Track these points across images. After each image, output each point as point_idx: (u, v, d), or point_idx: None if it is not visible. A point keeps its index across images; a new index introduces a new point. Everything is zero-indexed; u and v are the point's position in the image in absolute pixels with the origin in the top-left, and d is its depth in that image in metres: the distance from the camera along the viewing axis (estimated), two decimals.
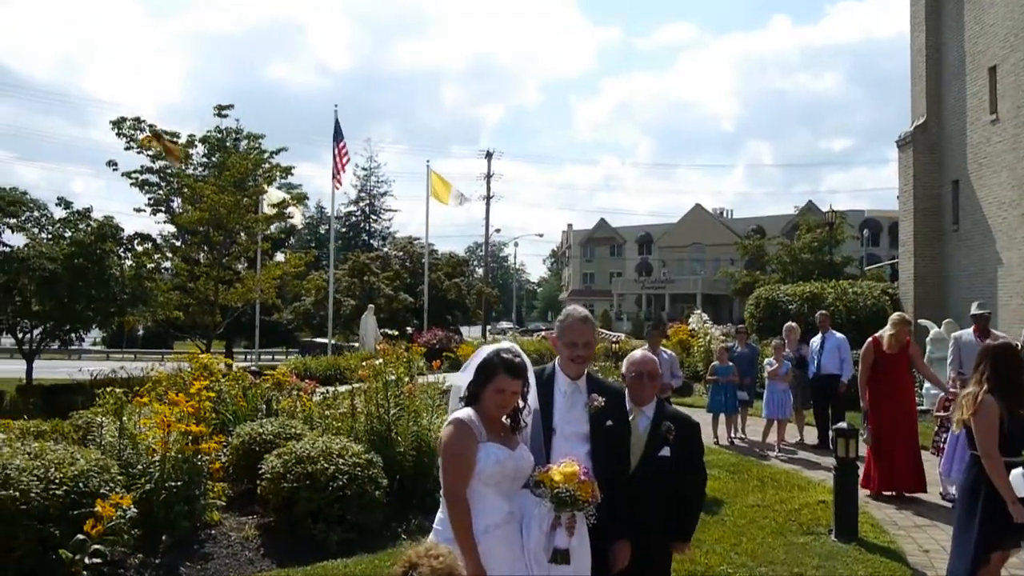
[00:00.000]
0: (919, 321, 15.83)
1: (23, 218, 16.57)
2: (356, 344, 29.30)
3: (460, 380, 3.39)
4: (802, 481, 8.89)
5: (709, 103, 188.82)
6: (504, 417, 3.28)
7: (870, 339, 8.66)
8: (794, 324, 12.30)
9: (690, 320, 20.04)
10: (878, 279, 30.42)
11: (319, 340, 34.09)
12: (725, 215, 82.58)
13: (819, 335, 11.47)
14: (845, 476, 6.68)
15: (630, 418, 3.81)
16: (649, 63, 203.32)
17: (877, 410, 8.32)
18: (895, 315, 8.77)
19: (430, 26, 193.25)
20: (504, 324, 75.36)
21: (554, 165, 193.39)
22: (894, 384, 8.41)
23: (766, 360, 11.46)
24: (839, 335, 11.42)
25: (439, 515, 3.20)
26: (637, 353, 4.19)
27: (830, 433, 11.00)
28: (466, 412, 3.19)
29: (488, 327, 55.51)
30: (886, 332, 8.47)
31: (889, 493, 8.29)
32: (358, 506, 6.37)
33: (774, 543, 6.48)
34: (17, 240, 16.57)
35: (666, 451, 3.83)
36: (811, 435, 11.78)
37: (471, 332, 47.48)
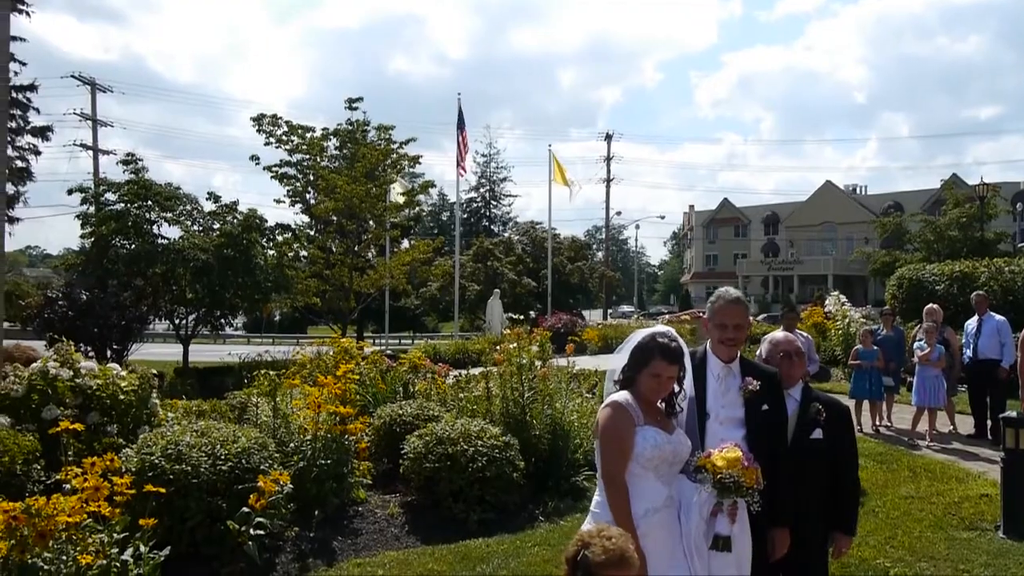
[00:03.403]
0: None
1: (177, 212, 17.79)
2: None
3: (614, 363, 3.36)
4: (959, 473, 8.32)
5: (838, 74, 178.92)
6: (659, 401, 3.23)
7: None
8: (936, 306, 11.46)
9: (826, 302, 19.14)
10: None
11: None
12: (858, 192, 78.18)
13: (975, 317, 10.69)
14: (1015, 468, 6.19)
15: None
16: (773, 35, 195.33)
17: None
18: None
19: (545, 10, 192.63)
20: (625, 308, 74.50)
21: (674, 145, 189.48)
22: None
23: (916, 344, 10.76)
24: (998, 317, 10.60)
25: (596, 497, 3.19)
26: (778, 334, 4.16)
27: (989, 422, 10.33)
28: (623, 395, 3.16)
29: (609, 311, 55.20)
30: None
31: None
32: (497, 487, 6.51)
33: (934, 537, 6.10)
34: (173, 232, 17.86)
35: (818, 433, 3.71)
36: (965, 424, 11.01)
37: (592, 316, 47.33)
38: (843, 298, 17.78)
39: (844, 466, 3.81)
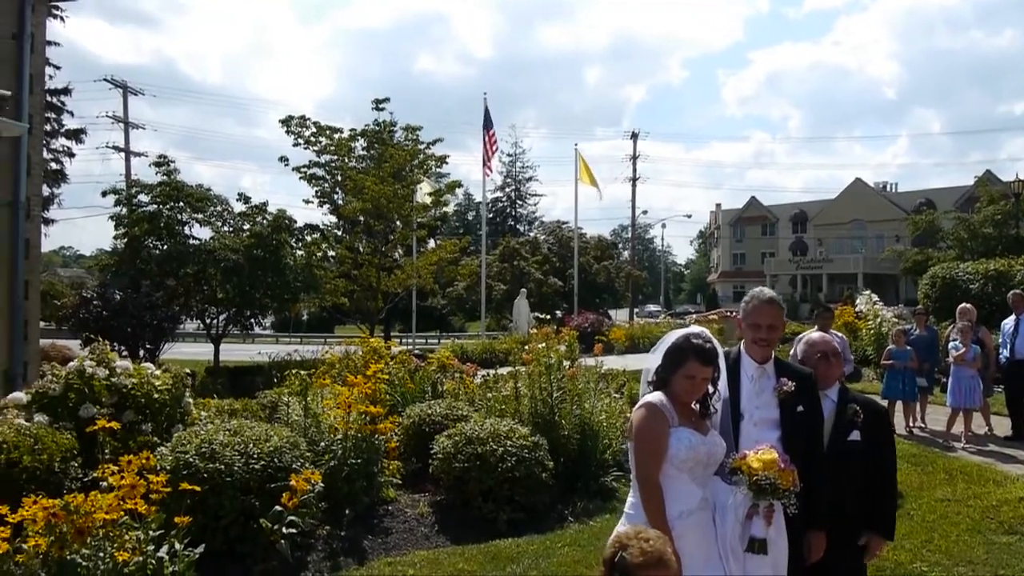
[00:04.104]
0: None
1: (208, 213, 18.03)
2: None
3: (648, 363, 3.33)
4: (997, 475, 8.15)
5: (868, 69, 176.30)
6: (693, 402, 3.20)
7: None
8: (969, 305, 11.24)
9: (857, 301, 18.89)
10: None
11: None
12: (889, 189, 77.01)
13: (1012, 316, 10.48)
14: None
15: None
16: (801, 31, 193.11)
17: None
18: None
19: (570, 8, 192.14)
20: (652, 307, 74.16)
21: (700, 143, 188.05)
22: None
23: (951, 344, 10.58)
24: None
25: (630, 499, 3.17)
26: (815, 334, 4.13)
27: None
28: (657, 396, 3.14)
29: (635, 310, 54.92)
30: None
31: None
32: (526, 487, 6.49)
33: (972, 541, 5.99)
34: (204, 233, 18.12)
35: (855, 435, 3.66)
36: (1002, 426, 10.80)
37: (618, 315, 47.14)
38: (875, 297, 17.54)
39: (883, 468, 3.74)
